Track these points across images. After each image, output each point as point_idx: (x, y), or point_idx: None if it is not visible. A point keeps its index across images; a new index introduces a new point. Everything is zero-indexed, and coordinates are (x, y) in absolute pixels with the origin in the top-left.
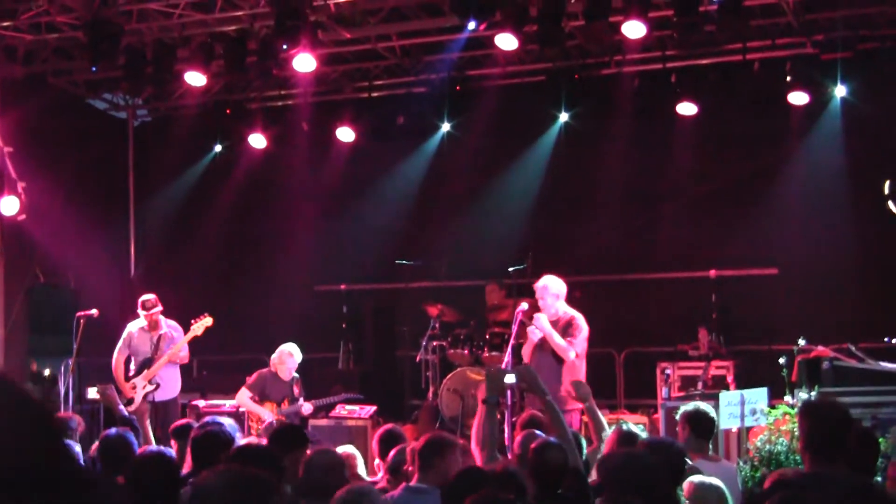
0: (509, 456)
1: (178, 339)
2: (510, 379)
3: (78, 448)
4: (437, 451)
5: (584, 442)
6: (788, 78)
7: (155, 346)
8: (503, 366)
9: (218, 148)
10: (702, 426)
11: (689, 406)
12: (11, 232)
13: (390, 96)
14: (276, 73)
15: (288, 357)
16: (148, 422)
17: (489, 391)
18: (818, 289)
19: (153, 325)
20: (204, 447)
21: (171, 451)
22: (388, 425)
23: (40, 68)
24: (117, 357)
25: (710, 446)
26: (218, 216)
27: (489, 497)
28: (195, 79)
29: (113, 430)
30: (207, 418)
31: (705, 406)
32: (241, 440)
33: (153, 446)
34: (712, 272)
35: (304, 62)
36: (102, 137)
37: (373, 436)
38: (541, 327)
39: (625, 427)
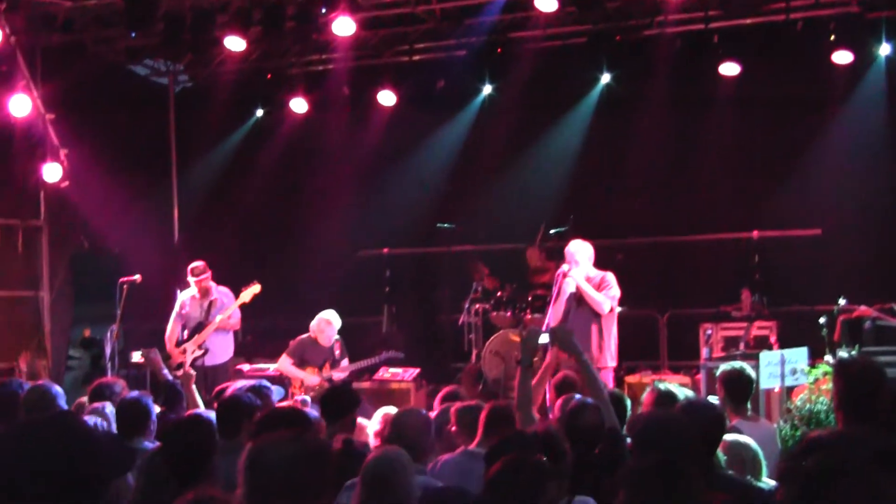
0: (550, 417)
1: (228, 306)
2: (544, 339)
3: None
4: (504, 420)
5: (628, 402)
6: (832, 37)
7: (206, 312)
8: (543, 328)
9: (259, 113)
10: (738, 387)
11: (726, 367)
12: (55, 199)
13: (431, 60)
14: (316, 37)
15: (326, 325)
16: (194, 386)
17: (524, 353)
18: (861, 249)
19: (204, 293)
20: (226, 413)
21: (211, 415)
22: (451, 387)
23: (80, 35)
24: (172, 326)
25: (749, 406)
26: (260, 181)
27: (518, 460)
28: (235, 44)
29: (133, 394)
30: (254, 382)
31: (742, 366)
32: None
33: (194, 410)
34: (755, 233)
35: (344, 26)
36: (144, 104)
37: (416, 398)
38: (576, 279)
39: (662, 387)
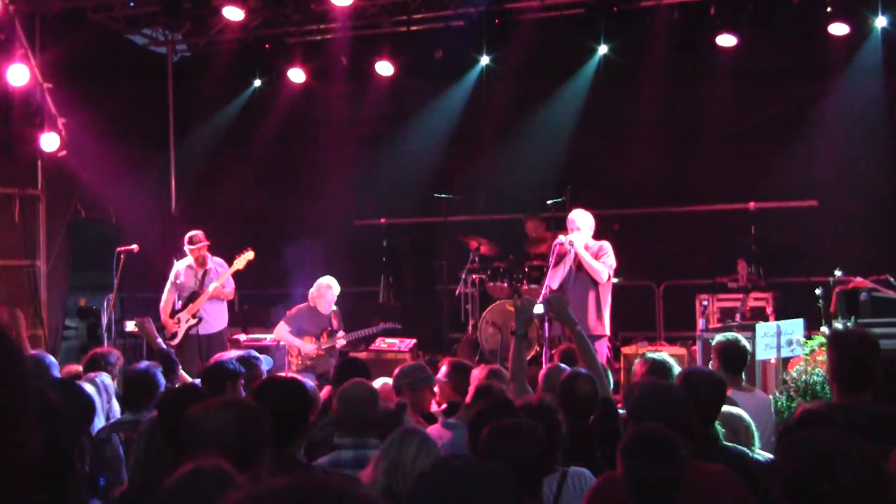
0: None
1: (222, 275)
2: (538, 309)
3: (109, 381)
4: (492, 395)
5: (610, 374)
6: (829, 9)
7: (200, 282)
8: (539, 299)
9: (257, 83)
10: (732, 358)
11: (721, 338)
12: (52, 168)
13: (429, 30)
14: (314, 7)
15: (326, 290)
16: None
17: (518, 322)
18: (858, 220)
19: (201, 262)
20: (210, 377)
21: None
22: (454, 358)
23: (79, 3)
24: (166, 296)
25: (744, 377)
26: (257, 151)
27: (505, 426)
28: (233, 13)
29: (140, 365)
30: (243, 352)
31: (737, 337)
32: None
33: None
34: (752, 204)
35: None
36: (142, 73)
37: None
38: (575, 247)
39: (655, 356)
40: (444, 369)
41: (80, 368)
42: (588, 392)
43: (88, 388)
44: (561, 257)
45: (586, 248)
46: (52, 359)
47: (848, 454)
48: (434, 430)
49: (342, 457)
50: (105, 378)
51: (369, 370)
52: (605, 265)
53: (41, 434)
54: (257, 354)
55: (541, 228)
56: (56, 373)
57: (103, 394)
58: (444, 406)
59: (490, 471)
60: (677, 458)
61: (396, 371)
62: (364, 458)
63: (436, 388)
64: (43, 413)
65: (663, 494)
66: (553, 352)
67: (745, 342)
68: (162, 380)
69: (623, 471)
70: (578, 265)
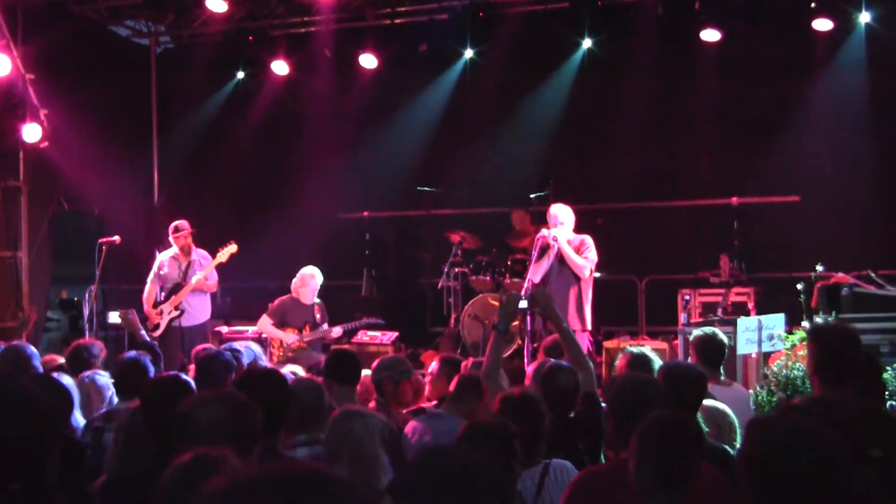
0: (526, 383)
1: (205, 267)
2: (523, 304)
3: (105, 379)
4: (474, 388)
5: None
6: (813, 4)
7: (183, 274)
8: (523, 292)
9: (240, 75)
10: (710, 352)
11: (699, 332)
12: (34, 159)
13: (413, 23)
14: None
15: (310, 279)
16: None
17: (502, 318)
18: (840, 216)
19: (186, 250)
20: (209, 367)
21: (186, 376)
22: (439, 353)
23: None
24: (149, 287)
25: (722, 371)
26: (240, 143)
27: (469, 427)
28: (216, 5)
29: (131, 354)
30: (226, 344)
31: (714, 331)
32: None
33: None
34: (734, 199)
35: None
36: (125, 65)
37: None
38: (559, 242)
39: (636, 350)
40: (434, 364)
41: (62, 360)
42: (569, 384)
43: (66, 380)
44: (543, 251)
45: (568, 242)
46: (32, 349)
47: (811, 437)
48: (418, 423)
49: (297, 455)
50: (99, 377)
51: (360, 362)
52: (587, 260)
53: (17, 423)
54: (238, 347)
55: (525, 221)
56: (37, 363)
57: (95, 395)
58: (434, 402)
59: (478, 460)
60: (698, 448)
61: (375, 363)
62: (318, 455)
63: (415, 378)
64: (18, 402)
65: (680, 484)
66: (535, 345)
67: (722, 336)
68: (151, 368)
69: (638, 460)
70: (561, 259)
